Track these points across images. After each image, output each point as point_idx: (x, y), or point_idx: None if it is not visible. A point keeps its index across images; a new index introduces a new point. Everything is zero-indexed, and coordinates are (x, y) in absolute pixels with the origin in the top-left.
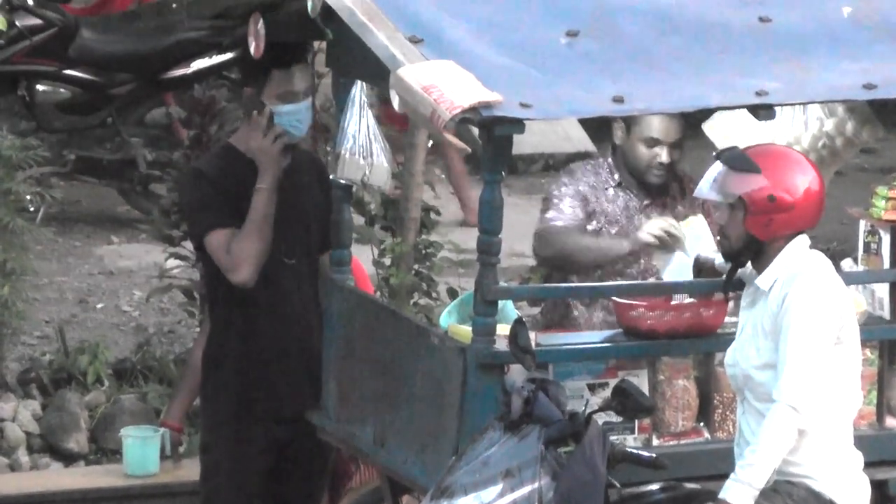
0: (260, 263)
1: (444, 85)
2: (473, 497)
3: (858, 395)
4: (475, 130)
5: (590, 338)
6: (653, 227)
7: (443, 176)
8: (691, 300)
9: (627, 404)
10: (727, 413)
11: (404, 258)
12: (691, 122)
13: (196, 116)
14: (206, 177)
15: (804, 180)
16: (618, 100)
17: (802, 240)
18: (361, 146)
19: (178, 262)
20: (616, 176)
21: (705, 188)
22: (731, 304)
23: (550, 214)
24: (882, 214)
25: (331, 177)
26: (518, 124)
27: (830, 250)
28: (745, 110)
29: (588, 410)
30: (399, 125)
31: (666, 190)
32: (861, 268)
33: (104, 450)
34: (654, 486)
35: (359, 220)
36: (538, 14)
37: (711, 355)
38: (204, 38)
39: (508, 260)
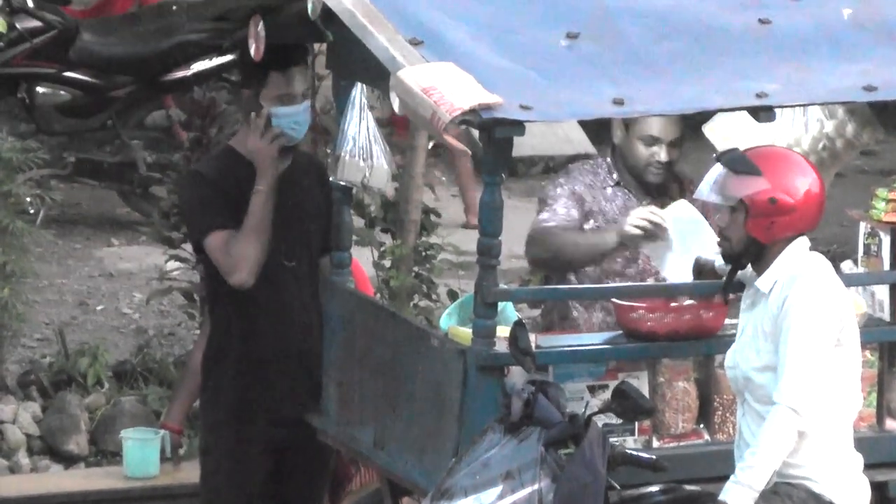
0: (258, 265)
1: (445, 87)
2: (473, 499)
3: (858, 397)
4: (475, 133)
5: (590, 340)
6: (634, 217)
7: (443, 178)
8: (691, 302)
9: (627, 406)
10: (727, 415)
11: (404, 260)
12: (691, 125)
13: (196, 119)
14: (206, 179)
15: (805, 182)
16: (618, 102)
17: (803, 242)
18: (361, 148)
19: (178, 264)
20: (614, 175)
21: (705, 190)
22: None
23: (544, 216)
24: (882, 216)
25: (331, 179)
26: (518, 126)
27: (830, 252)
28: (745, 112)
29: (588, 412)
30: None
31: (665, 189)
32: (861, 270)
33: (104, 452)
34: (654, 488)
35: (359, 222)
36: (538, 16)
37: (711, 357)
38: (204, 40)
39: (508, 262)
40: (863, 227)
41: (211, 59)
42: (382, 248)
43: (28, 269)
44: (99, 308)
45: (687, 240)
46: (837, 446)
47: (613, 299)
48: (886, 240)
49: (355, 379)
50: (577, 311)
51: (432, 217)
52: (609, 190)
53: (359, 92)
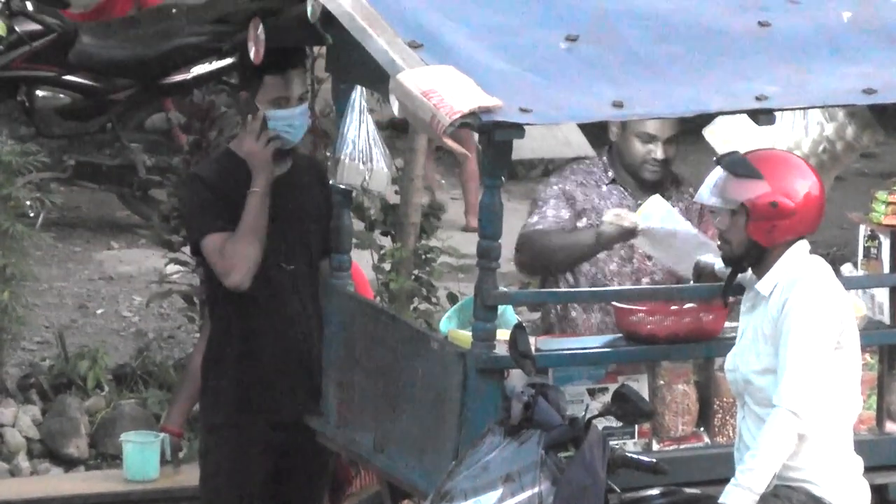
0: (254, 266)
1: (444, 90)
2: (473, 502)
3: (858, 399)
4: (475, 136)
5: (590, 343)
6: (609, 215)
7: (443, 181)
8: (691, 305)
9: (627, 409)
10: (727, 418)
11: (404, 263)
12: (691, 128)
13: (195, 122)
14: (205, 182)
15: (805, 185)
16: (617, 104)
17: (803, 245)
18: (361, 151)
19: (177, 267)
20: (609, 173)
21: (706, 194)
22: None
23: (532, 219)
24: (882, 219)
25: (330, 182)
26: (518, 129)
27: (830, 255)
28: (745, 115)
29: (588, 415)
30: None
31: (661, 186)
32: (861, 272)
33: (104, 455)
34: (654, 491)
35: (358, 225)
36: (538, 19)
37: (711, 360)
38: (203, 43)
39: (508, 265)
40: (863, 230)
41: (210, 63)
42: (382, 251)
43: (28, 272)
44: (99, 311)
45: (665, 237)
46: (837, 449)
47: (613, 302)
48: (886, 243)
49: (355, 382)
50: (575, 312)
51: (434, 216)
52: (604, 188)
53: (358, 95)
